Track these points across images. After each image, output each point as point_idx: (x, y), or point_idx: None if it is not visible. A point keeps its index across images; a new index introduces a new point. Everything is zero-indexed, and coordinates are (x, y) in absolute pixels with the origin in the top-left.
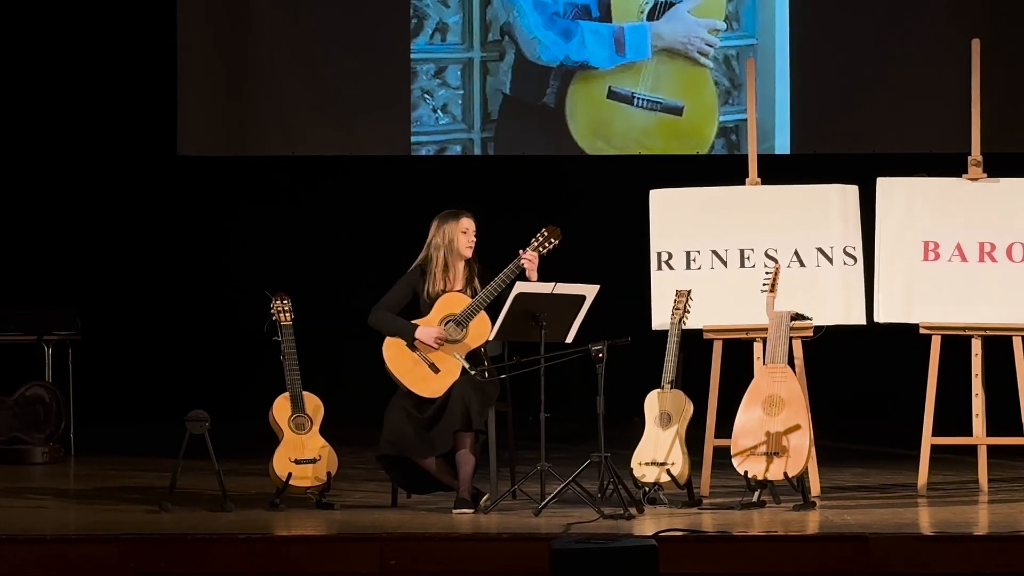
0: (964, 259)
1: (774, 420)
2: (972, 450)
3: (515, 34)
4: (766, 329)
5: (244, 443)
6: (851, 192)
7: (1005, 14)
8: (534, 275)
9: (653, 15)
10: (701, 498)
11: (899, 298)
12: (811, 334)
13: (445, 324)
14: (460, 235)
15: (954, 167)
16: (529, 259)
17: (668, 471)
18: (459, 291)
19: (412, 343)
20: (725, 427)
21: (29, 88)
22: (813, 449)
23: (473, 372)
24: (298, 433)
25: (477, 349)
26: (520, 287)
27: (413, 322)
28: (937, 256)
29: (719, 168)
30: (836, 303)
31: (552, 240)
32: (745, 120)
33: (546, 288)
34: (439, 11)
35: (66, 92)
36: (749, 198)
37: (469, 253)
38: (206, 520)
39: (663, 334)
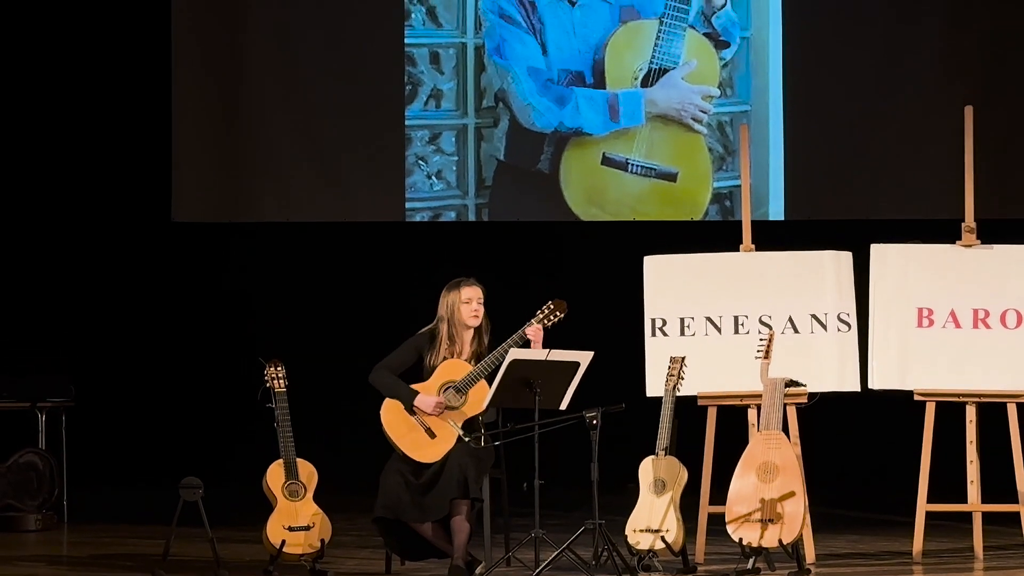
0: (958, 325)
1: (769, 487)
2: (967, 517)
3: (509, 101)
4: (760, 396)
5: (238, 510)
6: (845, 258)
7: (998, 81)
8: (539, 347)
9: (647, 81)
10: (696, 565)
11: (893, 364)
12: (805, 401)
13: (445, 390)
14: (462, 305)
15: (948, 233)
16: (534, 333)
17: (663, 538)
18: (464, 360)
19: (411, 408)
20: (720, 494)
21: (24, 154)
22: (808, 516)
23: (468, 440)
24: (292, 500)
25: (474, 416)
26: (514, 353)
27: (413, 387)
28: (931, 323)
29: (713, 234)
30: (830, 370)
31: (558, 313)
32: (739, 186)
33: (540, 355)
34: (433, 78)
35: (61, 157)
36: (743, 264)
37: (475, 322)
38: None
39: (657, 401)
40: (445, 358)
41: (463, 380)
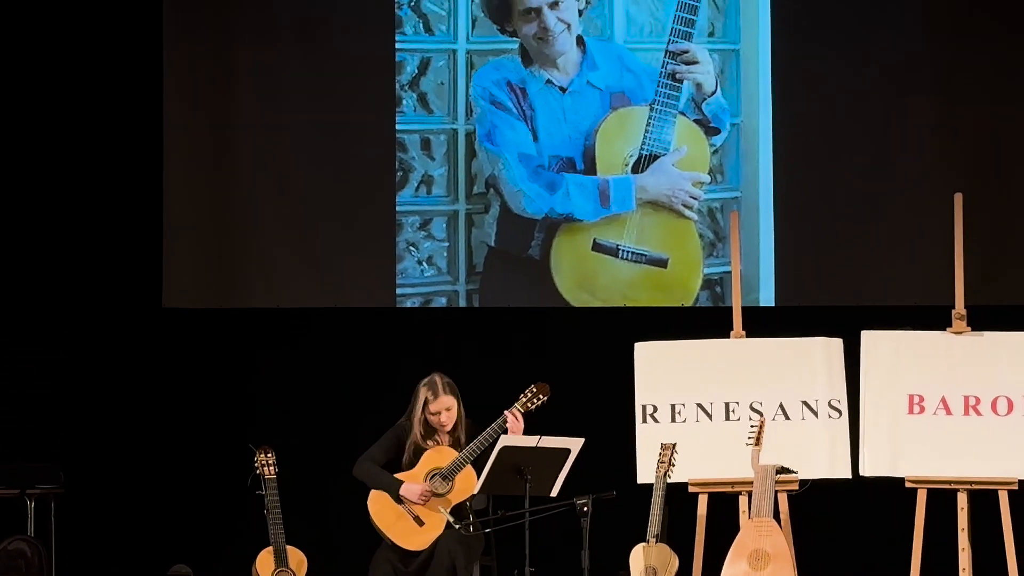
0: (949, 412)
1: (760, 574)
2: None
3: (500, 187)
4: (751, 483)
5: None
6: (835, 345)
7: (988, 168)
8: (518, 434)
9: (638, 168)
10: None
11: (884, 452)
12: (797, 488)
13: (431, 478)
14: (431, 417)
15: (939, 319)
16: (512, 420)
17: None
18: (445, 445)
19: (397, 498)
20: None
21: (13, 238)
22: None
23: (458, 527)
24: None
25: (462, 502)
26: (505, 440)
27: (397, 476)
28: (922, 409)
29: (704, 320)
30: (821, 456)
31: (540, 397)
32: (730, 272)
33: (531, 441)
34: (424, 164)
35: (50, 241)
36: (734, 351)
37: (448, 427)
38: None
39: (648, 488)
40: (425, 443)
41: (449, 467)
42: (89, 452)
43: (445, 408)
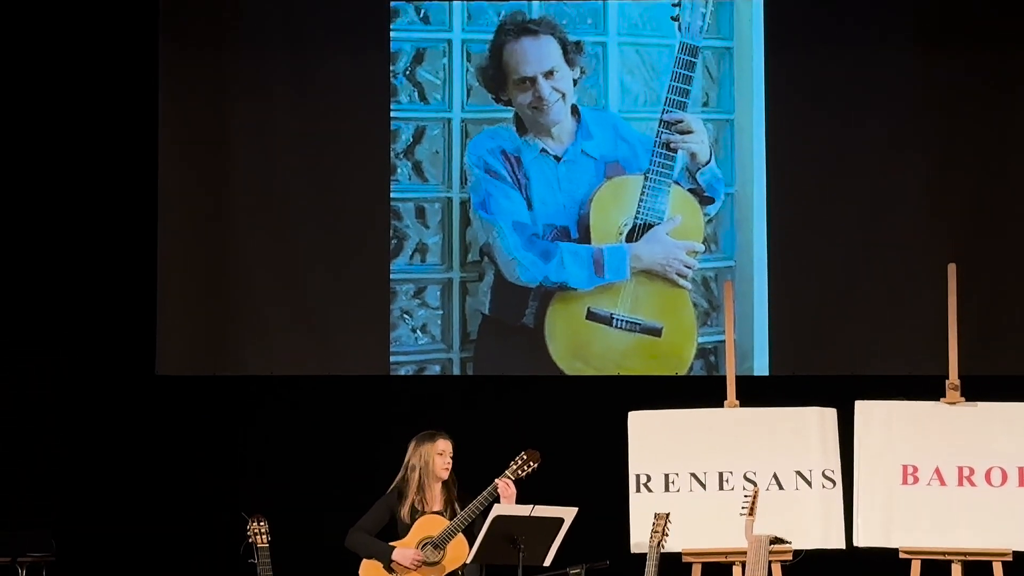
0: (943, 483)
1: None
2: None
3: (494, 255)
4: (745, 553)
5: None
6: (829, 415)
7: (981, 239)
8: (510, 501)
9: (632, 237)
10: None
11: (878, 522)
12: (790, 558)
13: (423, 547)
14: (436, 457)
15: (932, 389)
16: (503, 487)
17: None
18: (437, 512)
19: (389, 565)
20: None
21: (6, 306)
22: None
23: None
24: None
25: (455, 571)
26: (498, 509)
27: (390, 544)
28: (916, 480)
29: (698, 389)
30: (815, 527)
31: (531, 464)
32: (724, 341)
33: (524, 511)
34: (419, 232)
35: (44, 309)
36: (728, 421)
37: (445, 475)
38: None
39: (642, 557)
40: (416, 510)
41: (440, 535)
42: (82, 519)
43: (449, 451)
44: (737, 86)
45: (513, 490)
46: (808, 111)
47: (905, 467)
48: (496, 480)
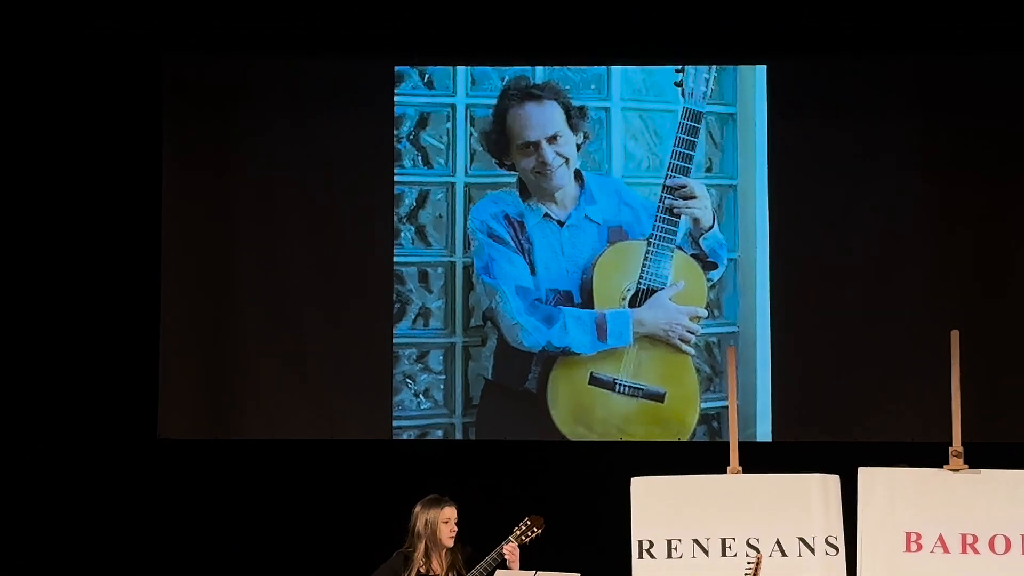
0: (947, 551)
1: None
2: None
3: (497, 319)
4: None
5: None
6: (832, 482)
7: (985, 304)
8: (516, 566)
9: (635, 302)
10: None
11: None
12: None
13: None
14: (442, 524)
15: (936, 456)
16: (510, 551)
17: None
18: (445, 569)
19: None
20: None
21: (5, 372)
22: None
23: None
24: None
25: None
26: (501, 575)
27: None
28: (919, 547)
29: (701, 455)
30: None
31: (535, 529)
32: (726, 407)
33: None
34: (422, 296)
35: (45, 373)
36: (730, 487)
37: (451, 543)
38: None
39: None
40: (422, 575)
41: None
42: None
43: (454, 519)
44: (740, 151)
45: (518, 553)
46: (811, 177)
47: (908, 534)
48: (503, 544)
